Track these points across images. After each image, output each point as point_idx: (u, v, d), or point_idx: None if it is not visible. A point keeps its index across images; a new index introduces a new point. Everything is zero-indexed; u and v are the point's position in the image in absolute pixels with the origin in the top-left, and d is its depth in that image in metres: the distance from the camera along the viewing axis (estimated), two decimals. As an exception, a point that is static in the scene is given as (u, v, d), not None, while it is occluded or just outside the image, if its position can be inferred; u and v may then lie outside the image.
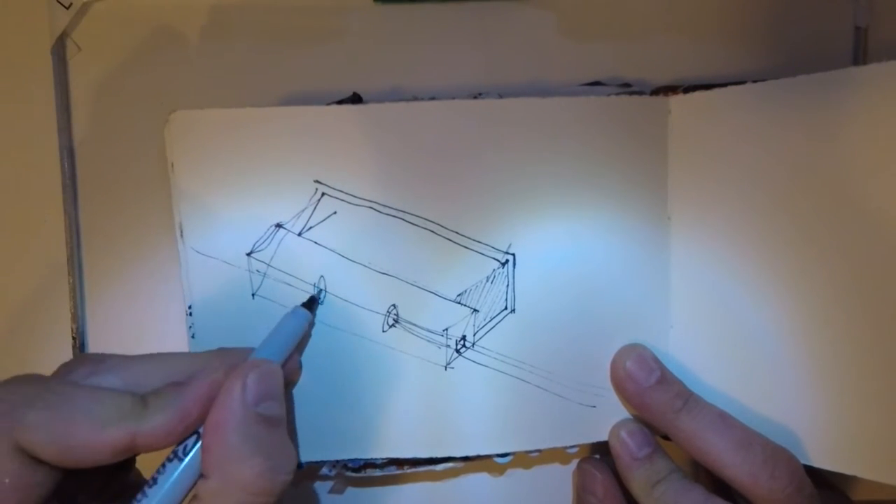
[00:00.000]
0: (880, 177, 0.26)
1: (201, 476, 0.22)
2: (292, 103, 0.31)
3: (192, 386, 0.23)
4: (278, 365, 0.25)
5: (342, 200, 0.29)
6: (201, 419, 0.23)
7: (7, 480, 0.21)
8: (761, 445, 0.27)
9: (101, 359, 0.24)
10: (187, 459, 0.23)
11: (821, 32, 0.33)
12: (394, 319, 0.30)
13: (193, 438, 0.23)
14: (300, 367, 0.29)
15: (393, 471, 0.31)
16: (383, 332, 0.30)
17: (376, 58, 0.32)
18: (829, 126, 0.27)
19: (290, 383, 0.28)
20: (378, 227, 0.29)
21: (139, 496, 0.22)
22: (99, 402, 0.22)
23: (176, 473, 0.22)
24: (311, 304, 0.29)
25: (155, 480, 0.22)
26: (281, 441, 0.24)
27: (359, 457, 0.30)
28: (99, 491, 0.25)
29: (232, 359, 0.25)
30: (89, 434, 0.21)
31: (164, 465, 0.23)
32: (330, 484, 0.33)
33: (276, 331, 0.27)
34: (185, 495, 0.23)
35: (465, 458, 0.30)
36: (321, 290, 0.29)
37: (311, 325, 0.29)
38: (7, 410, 0.21)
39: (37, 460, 0.21)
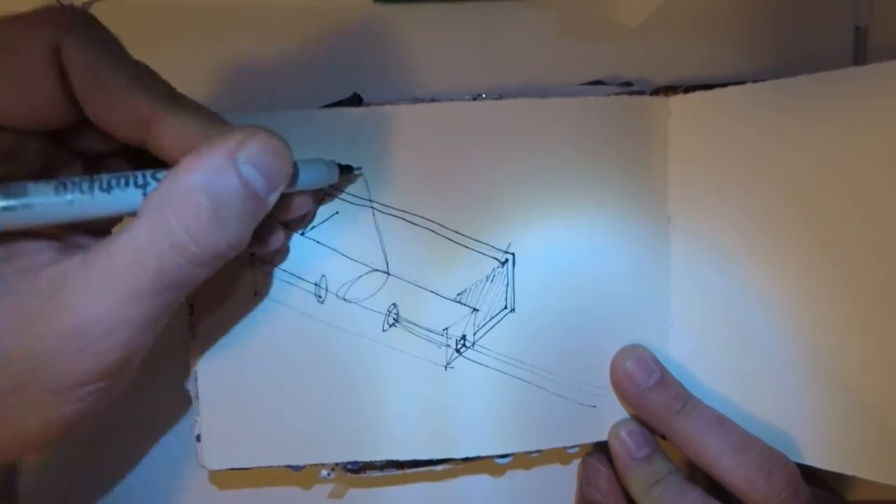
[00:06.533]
0: (880, 176, 0.26)
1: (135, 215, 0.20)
2: (292, 103, 0.32)
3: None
4: (287, 148, 0.22)
5: (344, 201, 0.29)
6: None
7: None
8: (758, 450, 0.27)
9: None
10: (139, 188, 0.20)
11: (821, 32, 0.33)
12: (394, 319, 0.30)
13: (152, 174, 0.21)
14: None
15: (393, 472, 0.31)
16: (383, 331, 0.30)
17: (376, 58, 0.32)
18: (828, 126, 0.27)
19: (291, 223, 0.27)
20: (378, 227, 0.30)
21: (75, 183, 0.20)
22: None
23: (123, 193, 0.20)
24: (344, 169, 0.28)
25: (104, 185, 0.20)
26: (245, 225, 0.21)
27: (358, 459, 0.30)
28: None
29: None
30: None
31: (112, 179, 0.20)
32: (329, 487, 0.33)
33: (302, 162, 0.24)
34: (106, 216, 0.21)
35: (466, 459, 0.31)
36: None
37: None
38: None
39: None
